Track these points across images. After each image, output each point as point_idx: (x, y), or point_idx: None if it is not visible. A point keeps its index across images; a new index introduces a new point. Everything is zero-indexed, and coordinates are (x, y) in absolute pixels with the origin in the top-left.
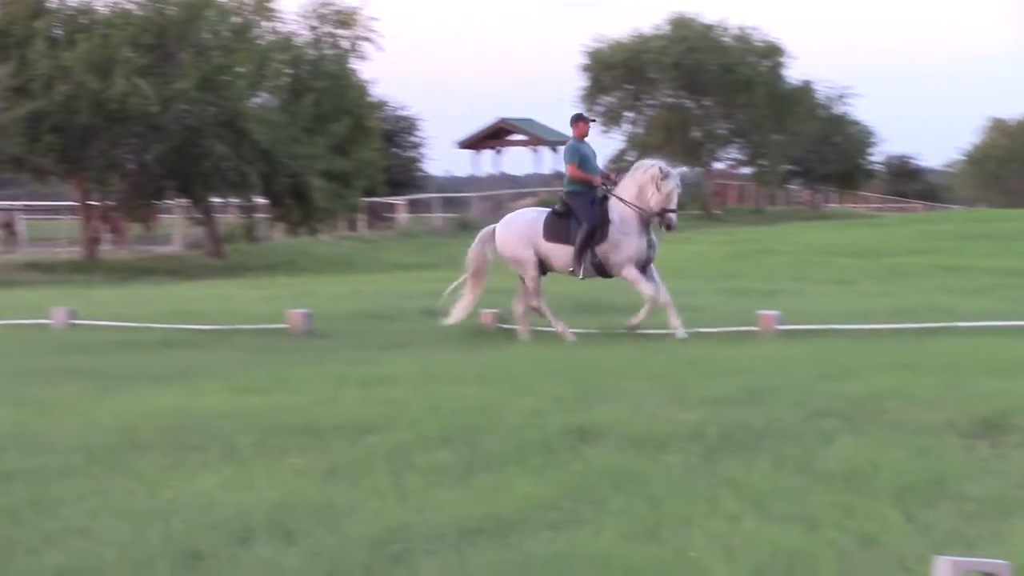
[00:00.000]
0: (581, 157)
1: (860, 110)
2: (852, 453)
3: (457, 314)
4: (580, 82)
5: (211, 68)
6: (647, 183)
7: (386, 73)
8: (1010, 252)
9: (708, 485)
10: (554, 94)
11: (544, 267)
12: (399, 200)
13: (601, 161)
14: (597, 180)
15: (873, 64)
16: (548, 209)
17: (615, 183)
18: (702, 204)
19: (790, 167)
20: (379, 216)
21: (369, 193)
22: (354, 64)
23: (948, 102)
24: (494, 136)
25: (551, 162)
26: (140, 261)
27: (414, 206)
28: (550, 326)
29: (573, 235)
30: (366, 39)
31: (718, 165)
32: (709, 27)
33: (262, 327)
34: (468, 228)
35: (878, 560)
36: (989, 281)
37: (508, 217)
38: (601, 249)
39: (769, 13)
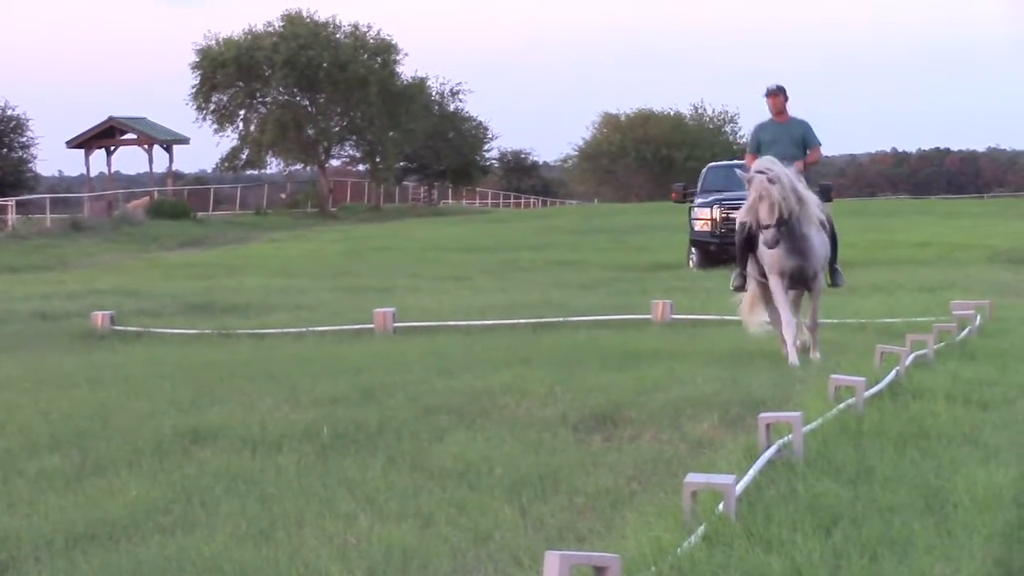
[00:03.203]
0: (759, 144)
1: (473, 106)
2: (465, 449)
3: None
4: (192, 80)
5: None
6: None
7: None
8: (623, 246)
9: (322, 485)
10: (168, 92)
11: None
12: (8, 201)
13: (213, 160)
14: None
15: (485, 60)
16: None
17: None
18: (317, 202)
19: (405, 164)
20: None
21: None
22: None
23: (561, 98)
24: (105, 135)
25: (165, 161)
26: None
27: (24, 207)
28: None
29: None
30: None
31: (334, 162)
32: (321, 25)
33: None
34: (80, 229)
35: (491, 556)
36: (602, 275)
37: None
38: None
39: (381, 10)
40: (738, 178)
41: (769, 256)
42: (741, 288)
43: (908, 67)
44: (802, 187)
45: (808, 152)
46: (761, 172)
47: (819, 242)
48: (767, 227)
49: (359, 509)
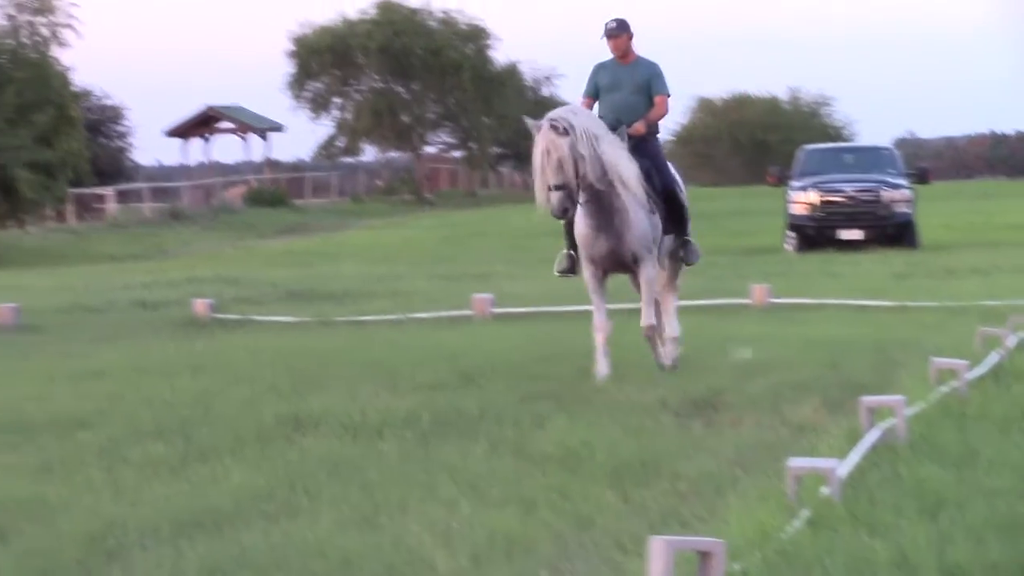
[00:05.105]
0: (597, 88)
1: (567, 92)
2: (566, 435)
3: None
4: (287, 68)
5: None
6: None
7: (88, 61)
8: (719, 231)
9: (424, 471)
10: (263, 81)
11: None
12: (108, 190)
13: (310, 148)
14: None
15: (578, 46)
16: None
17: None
18: (413, 189)
19: (500, 150)
20: (88, 207)
21: (76, 184)
22: (55, 52)
23: None
24: (203, 124)
25: (261, 149)
26: None
27: (123, 196)
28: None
29: None
30: (66, 26)
31: (429, 149)
32: (414, 11)
33: None
34: (179, 218)
35: (594, 541)
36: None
37: None
38: None
39: None
40: (838, 161)
41: (576, 235)
42: (568, 271)
43: (1006, 49)
44: (613, 147)
45: (653, 102)
46: (553, 121)
47: (639, 219)
48: (554, 189)
49: (461, 495)
